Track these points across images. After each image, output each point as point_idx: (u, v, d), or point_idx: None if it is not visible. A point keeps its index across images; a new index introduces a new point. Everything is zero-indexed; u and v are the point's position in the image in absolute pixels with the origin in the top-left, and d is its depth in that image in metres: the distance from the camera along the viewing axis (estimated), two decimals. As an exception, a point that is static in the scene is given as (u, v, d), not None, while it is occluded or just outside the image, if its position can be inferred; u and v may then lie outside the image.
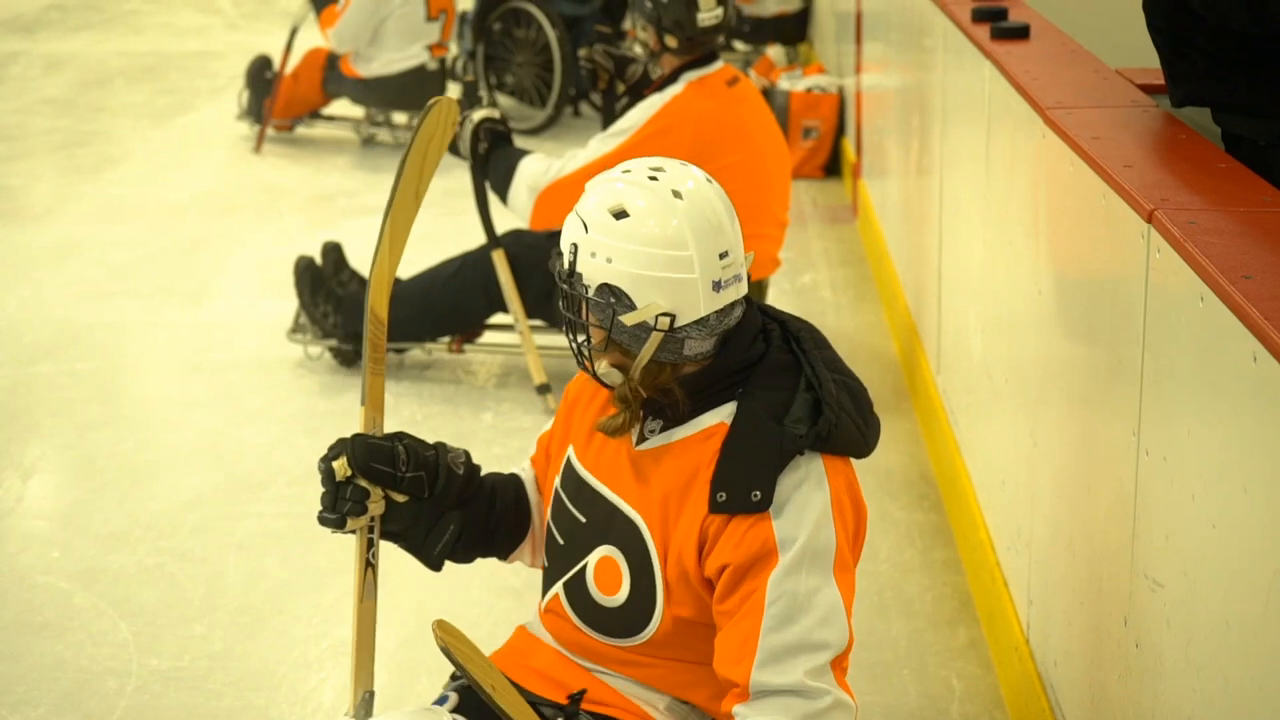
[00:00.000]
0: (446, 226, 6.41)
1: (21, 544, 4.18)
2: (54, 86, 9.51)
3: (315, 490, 2.37)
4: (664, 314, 2.22)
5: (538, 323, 4.95)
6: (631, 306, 2.23)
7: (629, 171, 2.30)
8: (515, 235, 4.91)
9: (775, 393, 2.30)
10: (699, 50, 4.59)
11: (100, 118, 8.73)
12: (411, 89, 7.65)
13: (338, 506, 2.38)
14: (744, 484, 2.24)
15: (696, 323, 2.25)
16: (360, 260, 5.47)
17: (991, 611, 3.53)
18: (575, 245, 2.28)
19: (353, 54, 7.60)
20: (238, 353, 5.38)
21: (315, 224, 6.78)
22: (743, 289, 2.30)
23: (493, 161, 4.71)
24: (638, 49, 4.73)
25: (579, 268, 2.27)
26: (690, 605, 2.32)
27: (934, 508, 4.24)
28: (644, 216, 2.23)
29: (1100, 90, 3.23)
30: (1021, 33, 3.73)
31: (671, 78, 4.58)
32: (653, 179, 2.27)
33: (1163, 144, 2.81)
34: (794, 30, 9.20)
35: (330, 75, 7.76)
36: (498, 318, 5.01)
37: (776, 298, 5.55)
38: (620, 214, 2.24)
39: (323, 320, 5.07)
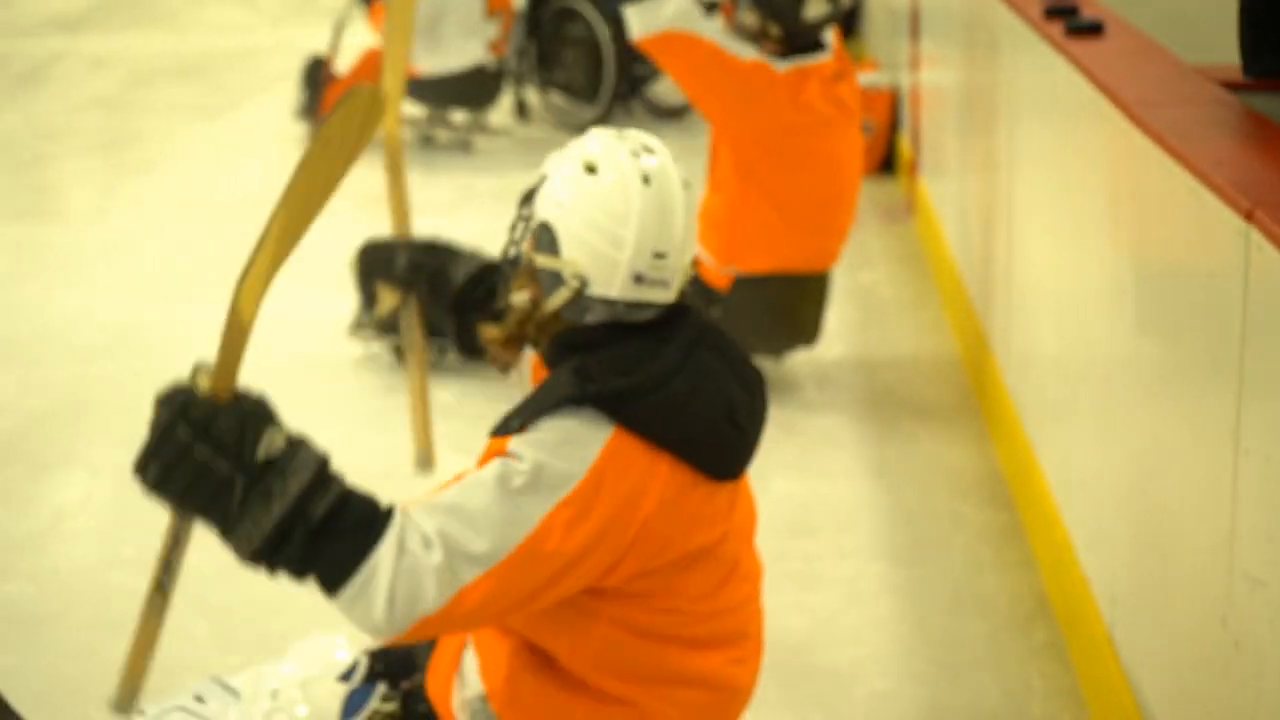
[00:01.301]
0: (501, 225, 6.40)
1: (93, 541, 4.20)
2: (100, 85, 9.54)
3: (387, 489, 2.34)
4: (578, 274, 2.29)
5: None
6: (555, 253, 2.31)
7: (623, 139, 2.38)
8: None
9: (606, 362, 2.29)
10: (802, 41, 4.58)
11: (147, 116, 8.75)
12: (470, 87, 7.67)
13: None
14: (514, 415, 2.30)
15: (604, 300, 2.31)
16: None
17: (1071, 611, 3.51)
18: (546, 175, 2.39)
19: (414, 51, 7.58)
20: (294, 350, 5.38)
21: (367, 222, 6.77)
22: (665, 296, 2.34)
23: None
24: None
25: (538, 194, 2.38)
26: None
27: (1005, 506, 4.22)
28: (606, 181, 2.31)
29: (1181, 87, 3.21)
30: (1096, 30, 3.72)
31: (786, 55, 4.60)
32: (636, 155, 2.34)
33: (1252, 140, 2.80)
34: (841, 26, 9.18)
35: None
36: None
37: (836, 296, 5.52)
38: (591, 169, 2.32)
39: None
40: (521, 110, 8.35)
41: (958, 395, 4.97)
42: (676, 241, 2.32)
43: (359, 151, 2.32)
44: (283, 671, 2.87)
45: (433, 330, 4.76)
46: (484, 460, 2.34)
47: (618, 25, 8.12)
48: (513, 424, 2.30)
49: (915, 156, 6.75)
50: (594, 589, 2.34)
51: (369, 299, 5.13)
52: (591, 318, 2.34)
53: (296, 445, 2.23)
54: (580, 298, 2.32)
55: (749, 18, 4.61)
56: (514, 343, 2.47)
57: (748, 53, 4.54)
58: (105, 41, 10.67)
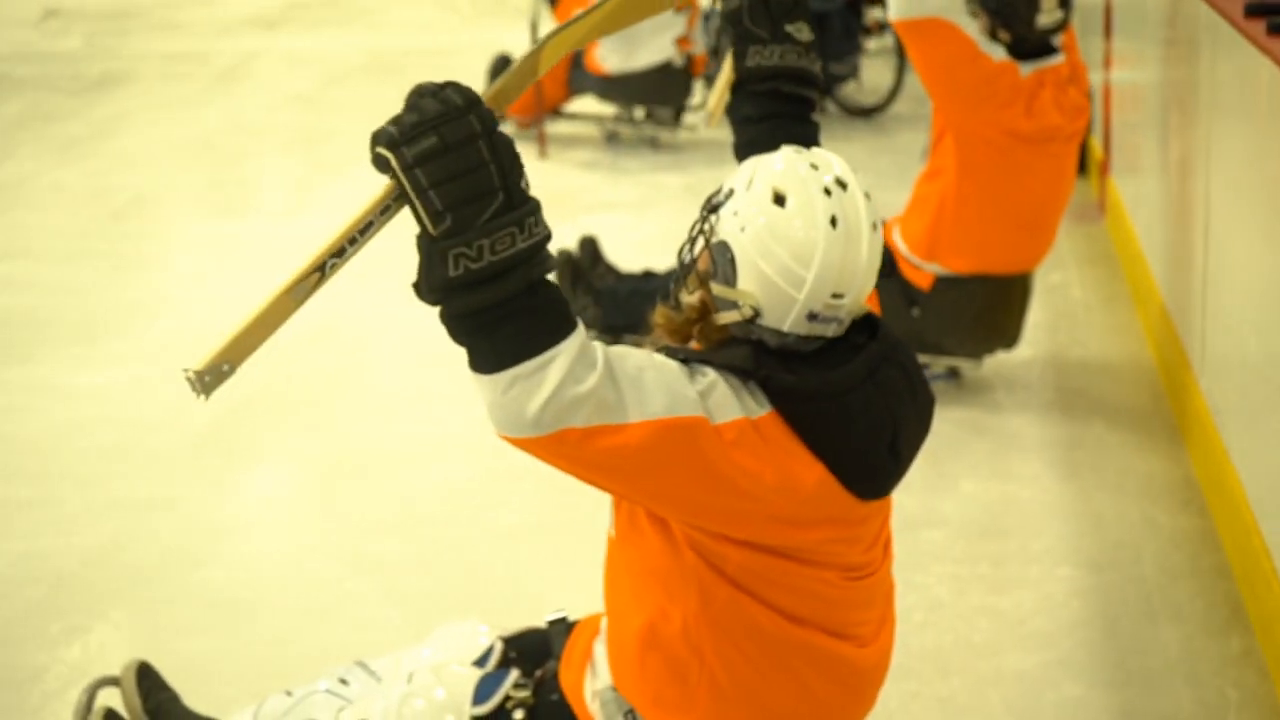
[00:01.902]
0: (690, 223, 6.43)
1: (292, 531, 4.31)
2: (297, 83, 9.72)
3: (572, 484, 2.30)
4: (752, 306, 2.25)
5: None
6: (732, 280, 2.26)
7: (817, 166, 2.29)
8: None
9: (788, 362, 2.26)
10: (1030, 46, 4.55)
11: (342, 114, 8.89)
12: (657, 85, 7.67)
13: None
14: (678, 351, 2.27)
15: (774, 331, 2.26)
16: (612, 257, 5.54)
17: (1269, 620, 3.45)
18: (732, 191, 2.31)
19: (602, 49, 7.63)
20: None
21: (556, 218, 6.77)
22: (836, 331, 2.29)
23: None
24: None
25: (722, 211, 2.30)
26: None
27: (1199, 512, 4.16)
28: (793, 218, 2.23)
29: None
30: (1301, 27, 3.64)
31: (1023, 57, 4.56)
32: (828, 192, 2.25)
33: None
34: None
35: (574, 72, 7.81)
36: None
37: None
38: (779, 199, 2.25)
39: (581, 313, 5.12)
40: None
41: (1150, 399, 4.90)
42: (858, 284, 2.27)
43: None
44: (423, 656, 2.94)
45: None
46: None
47: (819, 21, 8.08)
48: (678, 355, 2.27)
49: (1106, 157, 6.66)
50: (716, 564, 2.36)
51: (568, 298, 5.17)
52: (757, 337, 2.30)
53: (539, 205, 2.10)
54: (750, 324, 2.29)
55: (979, 23, 4.57)
56: (679, 336, 2.41)
57: (999, 54, 4.50)
58: (302, 40, 10.87)
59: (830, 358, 2.29)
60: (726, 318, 2.30)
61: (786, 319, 2.25)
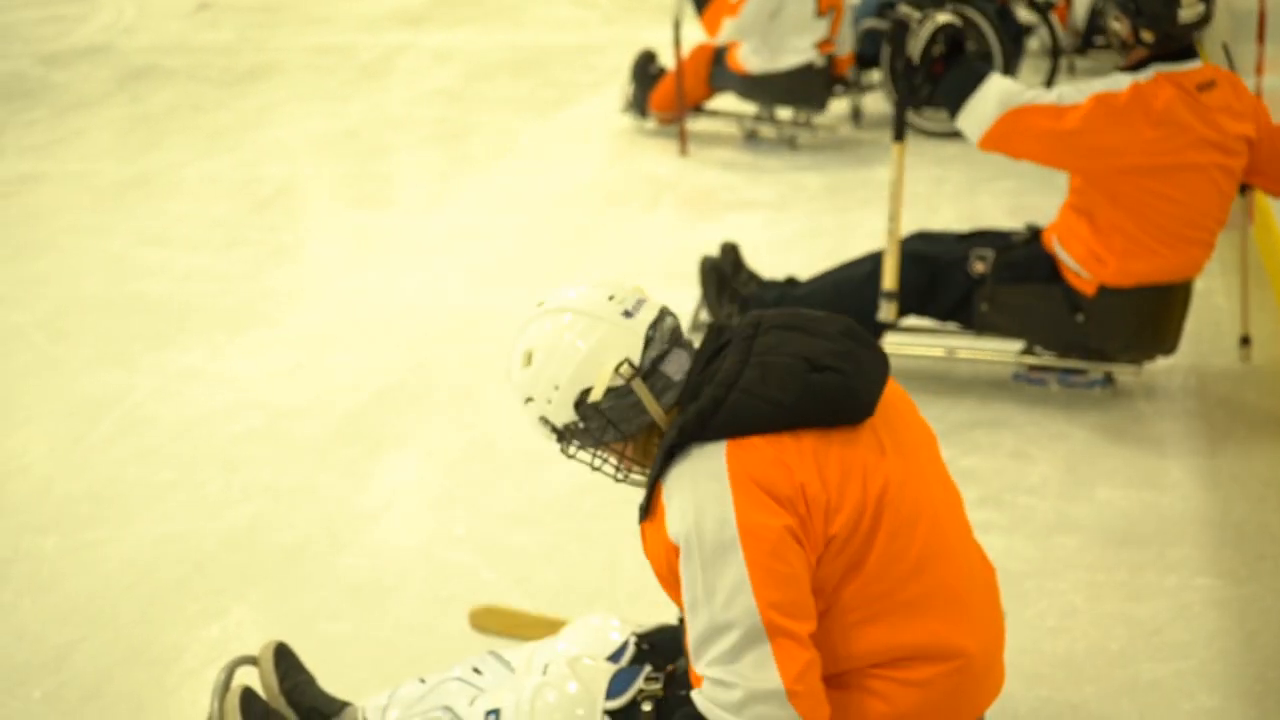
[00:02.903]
0: (829, 223, 6.43)
1: (426, 520, 4.35)
2: (441, 78, 9.81)
3: None
4: (620, 363, 2.49)
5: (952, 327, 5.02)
6: (592, 408, 2.52)
7: (528, 320, 2.61)
8: (920, 236, 4.90)
9: (691, 401, 2.47)
10: (1175, 45, 4.49)
11: (484, 109, 8.97)
12: (797, 86, 7.66)
13: None
14: (644, 500, 2.48)
15: (646, 347, 2.51)
16: (751, 256, 5.53)
17: None
18: (530, 401, 2.60)
19: (745, 49, 7.63)
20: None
21: (697, 216, 6.88)
22: (654, 308, 2.57)
23: (953, 68, 4.58)
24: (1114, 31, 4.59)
25: (548, 427, 2.60)
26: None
27: (1346, 518, 4.10)
28: (548, 349, 2.55)
29: None
30: None
31: (1140, 65, 4.47)
32: (526, 330, 2.60)
33: None
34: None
35: (716, 70, 7.82)
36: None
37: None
38: (528, 360, 2.57)
39: (728, 321, 5.08)
40: (856, 116, 8.30)
41: (1296, 409, 4.82)
42: (596, 288, 2.59)
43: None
44: (557, 649, 2.99)
45: None
46: (647, 552, 2.54)
47: (1014, 42, 7.98)
48: (645, 503, 2.50)
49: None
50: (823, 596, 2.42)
51: (713, 305, 5.16)
52: (671, 367, 2.55)
53: None
54: (648, 377, 2.52)
55: (1119, 25, 4.50)
56: (645, 463, 2.64)
57: (1083, 90, 4.44)
58: (446, 36, 10.96)
59: (710, 373, 2.50)
60: (651, 404, 2.53)
61: (629, 338, 2.52)
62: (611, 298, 2.56)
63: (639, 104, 8.16)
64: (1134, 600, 3.81)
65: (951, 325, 5.07)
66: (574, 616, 3.73)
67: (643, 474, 2.63)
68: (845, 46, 7.82)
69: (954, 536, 2.55)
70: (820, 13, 7.61)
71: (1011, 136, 4.45)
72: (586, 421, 2.54)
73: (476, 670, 3.04)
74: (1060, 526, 4.15)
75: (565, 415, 2.55)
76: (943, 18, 4.61)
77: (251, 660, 3.15)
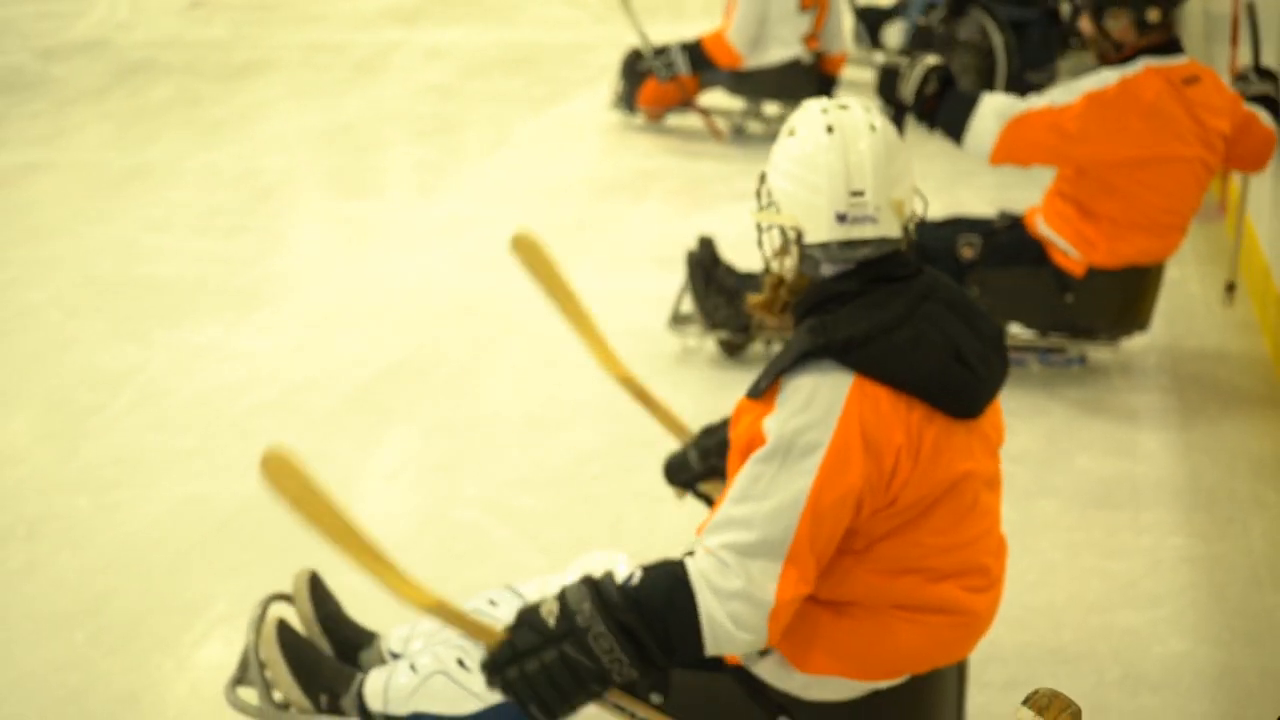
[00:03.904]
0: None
1: (438, 483, 4.56)
2: (435, 74, 10.00)
3: None
4: (793, 226, 2.58)
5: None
6: (778, 211, 2.62)
7: (822, 102, 2.66)
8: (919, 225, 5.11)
9: (839, 318, 2.56)
10: (1166, 33, 4.69)
11: (478, 105, 9.17)
12: (786, 81, 7.88)
13: None
14: (762, 375, 2.60)
15: (822, 246, 2.59)
16: (731, 250, 5.73)
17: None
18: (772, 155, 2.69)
19: (734, 44, 7.83)
20: (626, 323, 5.65)
21: (691, 207, 7.10)
22: (876, 231, 2.60)
23: (946, 101, 4.77)
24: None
25: (767, 170, 2.68)
26: None
27: (1310, 494, 4.34)
28: (801, 140, 2.61)
29: None
30: None
31: (1129, 59, 4.68)
32: (824, 112, 2.63)
33: None
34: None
35: (706, 70, 8.05)
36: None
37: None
38: (791, 133, 2.64)
39: (714, 313, 5.20)
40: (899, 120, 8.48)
41: (1263, 387, 5.05)
42: (869, 179, 2.58)
43: (557, 274, 3.03)
44: (568, 580, 3.17)
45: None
46: (735, 421, 2.68)
47: (1015, 30, 8.18)
48: (761, 384, 2.60)
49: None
50: (855, 552, 2.62)
51: (700, 297, 5.27)
52: (826, 269, 2.63)
53: (562, 595, 2.64)
54: (804, 251, 2.61)
55: (1116, 23, 4.65)
56: (771, 306, 2.75)
57: (1073, 90, 4.65)
58: (438, 34, 11.15)
59: (877, 304, 2.59)
60: (792, 259, 2.63)
61: (822, 227, 2.58)
62: (858, 194, 2.60)
63: (628, 100, 8.36)
64: (1110, 557, 4.04)
65: None
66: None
67: (762, 300, 2.76)
68: (836, 45, 8.05)
69: (992, 521, 2.75)
70: (804, 7, 7.82)
71: (1016, 147, 4.67)
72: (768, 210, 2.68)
73: (492, 602, 3.23)
74: (1041, 492, 4.38)
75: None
76: (930, 60, 4.82)
77: (286, 597, 3.35)
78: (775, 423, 2.53)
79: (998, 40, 8.03)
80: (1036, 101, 4.68)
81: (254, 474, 4.52)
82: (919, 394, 2.54)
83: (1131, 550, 4.08)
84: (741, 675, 2.80)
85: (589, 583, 2.61)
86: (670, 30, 9.10)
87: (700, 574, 2.52)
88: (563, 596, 2.61)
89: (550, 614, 2.59)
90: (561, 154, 8.11)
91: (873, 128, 2.62)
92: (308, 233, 6.95)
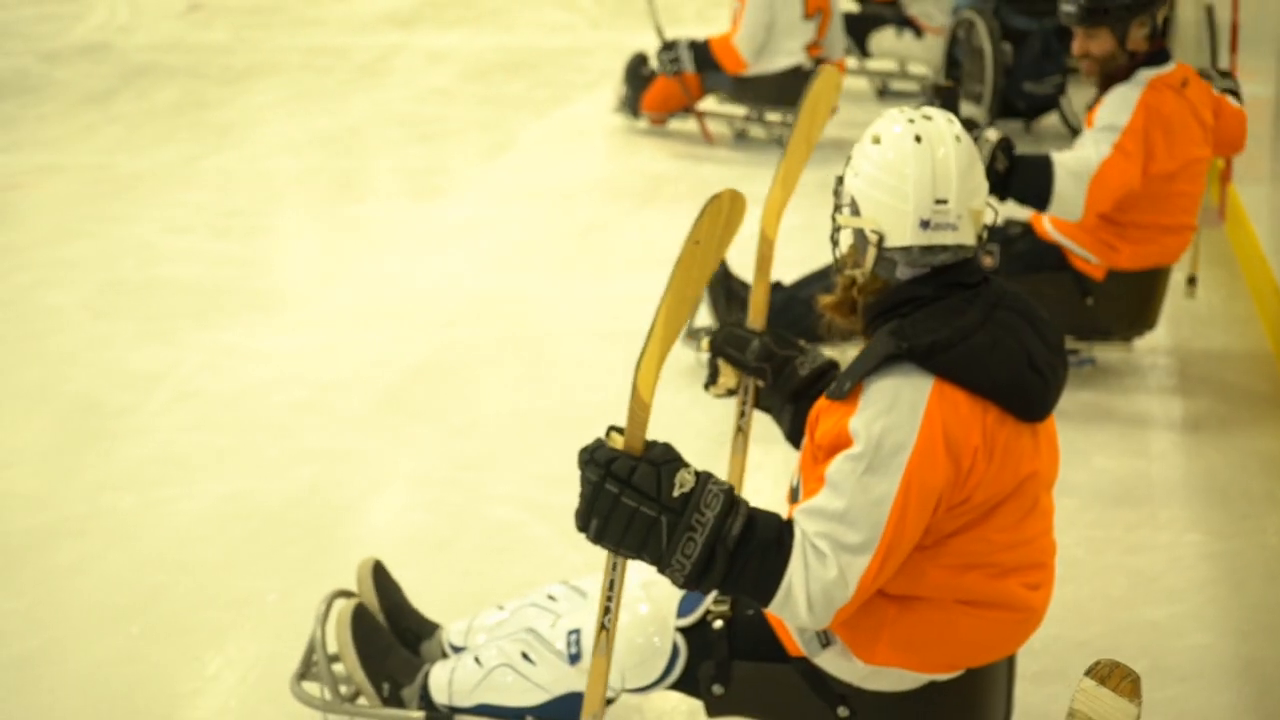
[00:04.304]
0: (825, 218, 6.75)
1: (471, 481, 4.68)
2: (437, 78, 10.11)
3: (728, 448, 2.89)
4: (875, 230, 2.71)
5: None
6: (858, 215, 2.74)
7: (905, 111, 2.78)
8: None
9: (919, 323, 2.67)
10: (1160, 41, 4.84)
11: (484, 108, 9.29)
12: (788, 87, 7.99)
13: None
14: (844, 377, 2.70)
15: (902, 250, 2.70)
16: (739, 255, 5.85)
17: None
18: (850, 156, 2.80)
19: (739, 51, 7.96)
20: (641, 324, 5.76)
21: (697, 210, 7.21)
22: (956, 238, 2.71)
23: (1018, 174, 4.74)
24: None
25: (846, 174, 2.79)
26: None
27: (1327, 491, 4.49)
28: (887, 147, 2.73)
29: None
30: None
31: (1126, 74, 4.82)
32: (912, 123, 2.74)
33: None
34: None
35: (709, 72, 8.17)
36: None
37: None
38: (876, 141, 2.75)
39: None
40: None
41: (1270, 387, 5.19)
42: (953, 187, 2.70)
43: (725, 247, 2.71)
44: (628, 576, 3.28)
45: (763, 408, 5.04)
46: (815, 421, 2.79)
47: (1015, 40, 8.26)
48: (845, 387, 2.69)
49: (1227, 166, 6.92)
50: (925, 548, 2.74)
51: (723, 315, 5.28)
52: (902, 271, 2.74)
53: (704, 479, 2.61)
54: (882, 253, 2.72)
55: (1140, 31, 4.80)
56: (843, 306, 2.86)
57: (1107, 130, 4.75)
58: (438, 38, 11.26)
59: (952, 309, 2.69)
60: (869, 260, 2.74)
61: (905, 232, 2.70)
62: (942, 201, 2.70)
63: (632, 104, 8.48)
64: (1131, 553, 4.18)
65: None
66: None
67: (833, 299, 2.87)
68: (836, 51, 8.18)
69: (1049, 522, 2.88)
70: (808, 15, 7.95)
71: (1102, 202, 4.74)
72: (847, 214, 2.78)
73: (551, 597, 3.35)
74: (1060, 490, 4.40)
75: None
76: (992, 135, 4.75)
77: (348, 593, 3.47)
78: (861, 424, 2.63)
79: (988, 50, 8.13)
80: (1095, 150, 4.73)
81: (293, 471, 4.67)
82: (994, 398, 2.65)
83: (1151, 546, 4.22)
84: (803, 666, 2.92)
85: (729, 497, 2.61)
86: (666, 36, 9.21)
87: (802, 550, 2.61)
88: (702, 486, 2.60)
89: (681, 485, 2.58)
90: (567, 157, 8.24)
91: (957, 139, 2.73)
92: (324, 235, 7.06)
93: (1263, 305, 5.72)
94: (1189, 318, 5.78)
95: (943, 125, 2.74)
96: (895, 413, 2.61)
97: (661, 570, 2.62)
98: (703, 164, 7.98)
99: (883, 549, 2.60)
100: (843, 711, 2.91)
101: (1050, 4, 8.04)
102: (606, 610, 2.71)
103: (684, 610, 3.07)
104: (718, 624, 3.02)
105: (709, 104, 8.51)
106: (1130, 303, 5.02)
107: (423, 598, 3.94)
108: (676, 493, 2.57)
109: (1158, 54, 4.84)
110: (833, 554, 2.59)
